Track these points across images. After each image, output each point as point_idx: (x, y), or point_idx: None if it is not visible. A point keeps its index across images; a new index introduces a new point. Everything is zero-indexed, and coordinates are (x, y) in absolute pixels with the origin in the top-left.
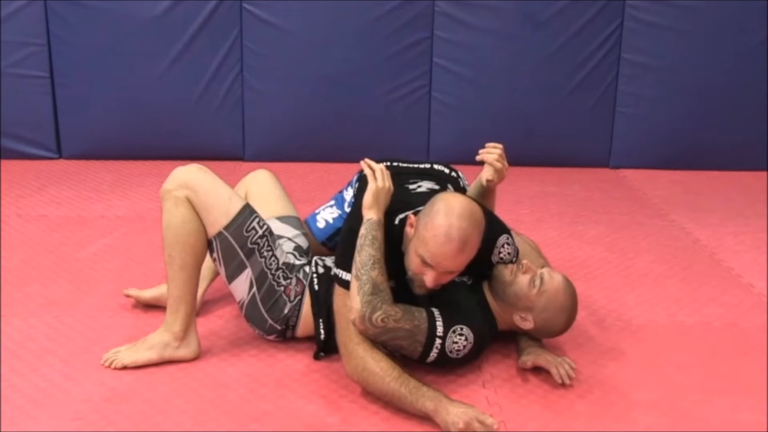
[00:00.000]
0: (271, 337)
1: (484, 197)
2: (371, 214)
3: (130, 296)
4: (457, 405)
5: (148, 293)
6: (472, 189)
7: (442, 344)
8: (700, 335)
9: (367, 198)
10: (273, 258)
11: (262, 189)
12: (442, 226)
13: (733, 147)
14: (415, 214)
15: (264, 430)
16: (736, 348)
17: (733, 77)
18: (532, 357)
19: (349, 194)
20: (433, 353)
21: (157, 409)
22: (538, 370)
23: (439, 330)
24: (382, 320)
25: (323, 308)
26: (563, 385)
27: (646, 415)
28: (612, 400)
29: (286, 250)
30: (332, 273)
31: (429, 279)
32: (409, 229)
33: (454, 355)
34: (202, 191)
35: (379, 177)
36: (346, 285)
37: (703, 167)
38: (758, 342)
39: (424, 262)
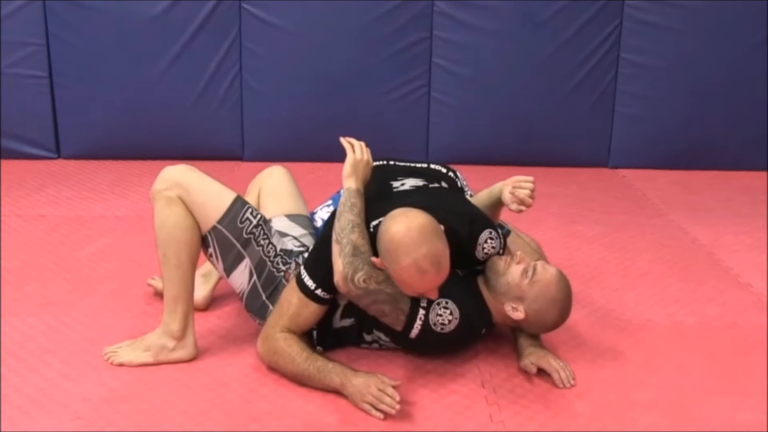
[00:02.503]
0: None
1: (495, 209)
2: (350, 183)
3: (151, 285)
4: (360, 375)
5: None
6: (483, 200)
7: (426, 315)
8: (700, 335)
9: (346, 168)
10: (270, 245)
11: (275, 185)
12: (410, 267)
13: (733, 147)
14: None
15: (264, 430)
16: (736, 348)
17: (733, 77)
18: (534, 359)
19: None
20: (417, 324)
21: (157, 409)
22: (538, 370)
23: (423, 300)
24: (364, 281)
25: None
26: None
27: (646, 415)
28: (611, 399)
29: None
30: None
31: (433, 295)
32: (380, 266)
33: (438, 329)
34: (193, 189)
35: (357, 149)
36: (302, 285)
37: (702, 167)
38: (758, 342)
39: (418, 293)
